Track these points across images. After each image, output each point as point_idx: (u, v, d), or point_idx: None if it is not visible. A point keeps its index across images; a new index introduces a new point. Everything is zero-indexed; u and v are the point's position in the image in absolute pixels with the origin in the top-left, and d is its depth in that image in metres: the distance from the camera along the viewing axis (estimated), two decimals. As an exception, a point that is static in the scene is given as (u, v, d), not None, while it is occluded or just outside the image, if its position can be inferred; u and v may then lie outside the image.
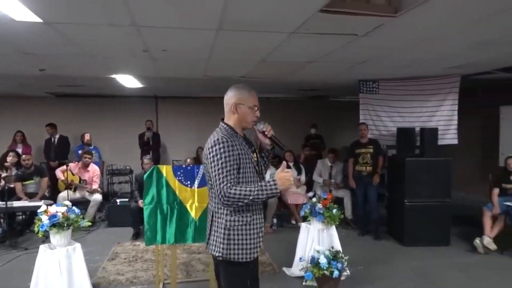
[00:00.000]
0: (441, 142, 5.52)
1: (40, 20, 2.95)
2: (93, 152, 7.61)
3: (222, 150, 1.91)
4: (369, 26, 3.17)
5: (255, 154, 2.13)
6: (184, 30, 3.27)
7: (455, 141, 5.88)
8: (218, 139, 1.94)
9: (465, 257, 4.59)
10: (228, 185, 1.87)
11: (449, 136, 5.87)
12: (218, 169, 1.90)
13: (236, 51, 4.13)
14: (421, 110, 5.94)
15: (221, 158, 1.90)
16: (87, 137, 7.50)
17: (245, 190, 1.87)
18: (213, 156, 1.92)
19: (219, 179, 1.89)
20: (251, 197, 1.86)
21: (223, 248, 1.97)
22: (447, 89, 5.82)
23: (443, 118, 5.87)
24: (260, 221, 2.07)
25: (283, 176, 1.90)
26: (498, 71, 5.31)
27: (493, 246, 4.52)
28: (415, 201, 4.97)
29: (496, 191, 4.82)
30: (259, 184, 1.91)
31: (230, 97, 2.09)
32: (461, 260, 4.48)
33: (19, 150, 6.97)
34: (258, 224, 2.04)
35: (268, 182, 1.90)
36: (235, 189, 1.87)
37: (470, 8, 2.77)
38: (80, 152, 7.01)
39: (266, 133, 2.12)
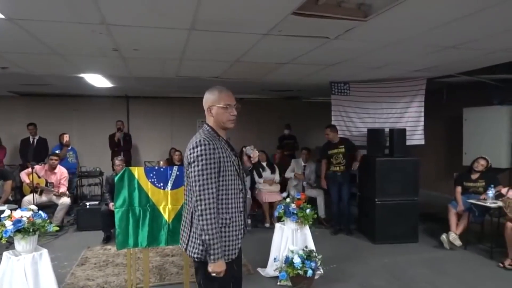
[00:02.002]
0: (409, 142, 5.71)
1: (2, 16, 2.82)
2: (71, 153, 7.37)
3: (203, 152, 1.93)
4: (340, 29, 3.24)
5: (237, 157, 2.15)
6: (156, 29, 3.22)
7: (422, 142, 6.11)
8: (200, 141, 1.95)
9: (432, 253, 4.78)
10: (213, 195, 1.92)
11: (416, 137, 6.09)
12: (198, 171, 1.92)
13: (209, 52, 4.11)
14: (390, 111, 6.12)
15: (201, 160, 1.93)
16: (66, 138, 7.20)
17: (215, 223, 1.91)
18: (194, 158, 1.94)
19: (199, 182, 1.92)
20: (214, 233, 1.91)
21: (201, 250, 1.98)
22: (414, 91, 6.04)
23: (410, 119, 6.09)
24: (240, 223, 2.09)
25: (220, 269, 1.94)
26: (461, 75, 5.56)
27: (458, 242, 4.73)
28: (385, 199, 5.12)
29: (458, 189, 5.05)
30: (221, 239, 1.95)
31: (205, 101, 2.13)
32: (429, 256, 4.66)
33: None
34: (237, 225, 2.06)
35: (221, 250, 1.93)
36: (213, 211, 1.92)
37: (435, 14, 2.90)
38: (58, 152, 6.75)
39: (251, 159, 2.22)
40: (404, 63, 4.79)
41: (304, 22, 2.98)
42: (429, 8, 2.77)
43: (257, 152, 2.25)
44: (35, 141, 7.32)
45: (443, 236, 4.86)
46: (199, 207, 1.92)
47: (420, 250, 4.89)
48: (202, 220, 1.91)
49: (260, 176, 2.45)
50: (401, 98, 6.07)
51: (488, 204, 4.56)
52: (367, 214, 5.43)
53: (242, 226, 2.11)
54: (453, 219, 4.95)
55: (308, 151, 6.56)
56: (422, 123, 6.08)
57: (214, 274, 1.94)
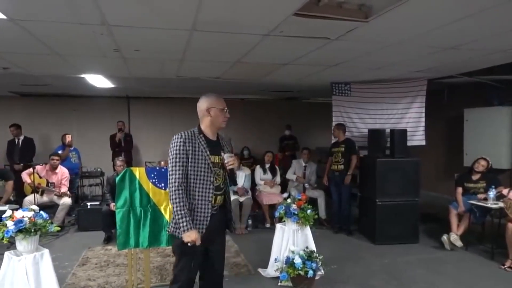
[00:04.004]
0: (410, 143, 5.71)
1: (3, 17, 2.83)
2: (74, 153, 7.37)
3: (174, 143, 2.35)
4: (342, 30, 3.25)
5: (214, 156, 2.42)
6: (157, 30, 3.23)
7: (423, 142, 6.11)
8: (175, 135, 2.36)
9: (433, 253, 4.77)
10: (178, 180, 2.30)
11: (417, 138, 6.09)
12: (171, 159, 2.35)
13: (210, 52, 4.12)
14: (391, 112, 6.13)
15: (172, 150, 2.35)
16: (68, 138, 7.18)
17: (180, 202, 2.28)
18: (170, 148, 2.38)
19: (169, 168, 2.34)
20: (179, 210, 2.27)
21: (172, 225, 2.40)
22: (415, 92, 6.04)
23: (411, 120, 6.09)
24: (206, 212, 2.36)
25: (191, 238, 2.26)
26: (462, 75, 5.56)
27: (459, 243, 4.73)
28: (385, 200, 5.12)
29: (459, 190, 5.04)
30: (188, 214, 2.28)
31: (202, 103, 2.48)
32: (429, 256, 4.65)
33: None
34: (202, 213, 2.36)
35: (187, 223, 2.27)
36: (180, 192, 2.29)
37: (437, 14, 2.90)
38: (60, 152, 6.76)
39: (227, 165, 2.44)
40: (404, 64, 4.79)
41: (305, 23, 2.98)
42: (430, 9, 2.77)
43: (233, 159, 2.44)
44: (20, 141, 7.28)
45: (444, 237, 4.85)
46: (169, 190, 2.33)
47: (421, 250, 4.88)
48: (171, 200, 2.31)
49: (234, 183, 2.59)
50: (402, 98, 6.08)
51: (489, 205, 4.55)
52: (368, 214, 5.43)
53: (209, 214, 2.37)
54: (454, 220, 4.95)
55: (309, 151, 6.57)
56: (423, 124, 6.08)
57: (189, 243, 2.26)
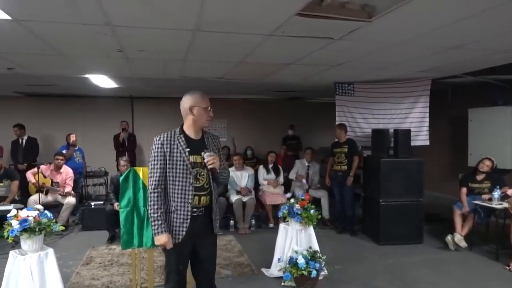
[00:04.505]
0: (413, 143, 5.69)
1: (8, 18, 2.85)
2: (78, 153, 7.41)
3: (153, 146, 2.36)
4: (345, 30, 3.24)
5: (196, 156, 2.35)
6: (160, 30, 3.24)
7: (427, 142, 6.09)
8: (155, 137, 2.37)
9: (437, 254, 4.75)
10: (154, 183, 2.30)
11: (421, 138, 6.07)
12: (150, 162, 2.36)
13: (213, 52, 4.13)
14: (394, 112, 6.11)
15: (152, 153, 2.35)
16: (72, 138, 7.21)
17: (155, 205, 2.29)
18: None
19: (149, 172, 2.35)
20: (152, 214, 2.29)
21: None
22: (419, 91, 6.02)
23: (415, 120, 6.07)
24: (186, 213, 2.33)
25: (160, 242, 2.30)
26: (466, 75, 5.53)
27: (463, 244, 4.70)
28: (389, 200, 5.10)
29: (464, 190, 5.02)
30: (162, 216, 2.30)
31: (185, 101, 2.40)
32: (434, 257, 4.63)
33: None
34: (182, 214, 2.33)
35: (159, 227, 2.28)
36: (155, 196, 2.30)
37: (440, 14, 2.89)
38: (64, 152, 6.80)
39: (207, 164, 2.34)
40: (408, 64, 4.77)
41: (308, 23, 2.98)
42: (433, 9, 2.76)
43: (212, 158, 2.32)
44: (24, 141, 7.34)
45: (448, 237, 4.83)
46: (148, 192, 2.34)
47: (425, 251, 4.87)
48: (148, 203, 2.33)
49: (218, 183, 2.50)
50: (406, 98, 6.06)
51: (493, 206, 4.52)
52: (371, 214, 5.42)
53: (189, 216, 2.33)
54: (458, 220, 4.92)
55: (312, 151, 6.57)
56: (427, 124, 6.06)
57: (159, 246, 2.33)
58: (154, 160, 2.33)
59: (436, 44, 3.75)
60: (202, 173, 2.38)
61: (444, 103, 7.46)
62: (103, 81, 6.13)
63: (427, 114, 6.06)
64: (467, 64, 4.82)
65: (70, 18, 2.90)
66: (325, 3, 2.73)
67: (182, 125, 2.43)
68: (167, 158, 2.32)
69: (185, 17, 2.90)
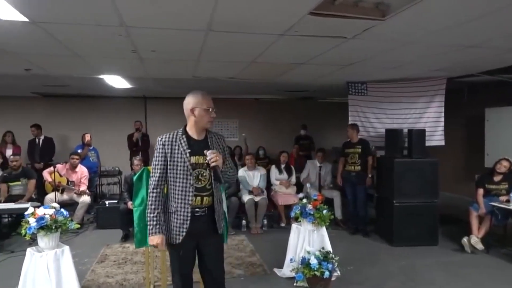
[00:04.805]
0: (428, 143, 5.61)
1: (26, 20, 2.91)
2: (93, 152, 7.53)
3: (156, 146, 2.39)
4: (358, 29, 3.22)
5: (198, 157, 2.34)
6: (173, 30, 3.26)
7: (442, 143, 5.99)
8: (157, 138, 2.39)
9: (452, 256, 4.67)
10: (153, 183, 2.34)
11: (436, 138, 5.97)
12: (152, 163, 2.40)
13: (225, 53, 4.14)
14: (408, 111, 6.03)
15: (154, 154, 2.38)
16: (87, 137, 7.34)
17: (152, 205, 2.33)
18: None
19: (151, 173, 2.39)
20: (148, 214, 2.33)
21: None
22: (434, 91, 5.92)
23: (430, 120, 5.97)
24: (186, 214, 2.33)
25: (153, 243, 2.32)
26: (483, 74, 5.42)
27: (480, 246, 4.61)
28: (403, 201, 5.03)
29: (480, 191, 4.92)
30: (158, 217, 2.32)
31: (187, 102, 2.39)
32: (449, 259, 4.55)
33: (9, 151, 6.85)
34: (182, 215, 2.33)
35: (154, 227, 2.31)
36: (153, 196, 2.34)
37: (455, 13, 2.84)
38: (80, 152, 6.92)
39: (209, 163, 2.29)
40: (422, 63, 4.70)
41: (320, 22, 2.96)
42: (448, 7, 2.71)
43: (215, 156, 2.27)
44: (41, 141, 7.49)
45: (464, 240, 4.74)
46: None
47: (440, 253, 4.78)
48: (147, 203, 2.36)
49: (220, 182, 2.39)
50: (420, 98, 5.97)
51: (511, 207, 4.42)
52: (385, 215, 5.36)
53: (188, 217, 2.33)
54: (474, 222, 4.83)
55: (323, 153, 6.53)
56: (442, 124, 5.96)
57: (153, 246, 2.35)
58: (155, 161, 2.35)
59: (451, 42, 3.68)
60: (204, 174, 2.36)
61: (460, 103, 7.32)
62: (117, 81, 6.22)
63: (443, 114, 5.96)
64: (484, 63, 4.72)
65: (86, 19, 2.95)
66: (338, 2, 2.71)
67: (186, 125, 2.43)
68: (168, 158, 2.33)
69: (198, 17, 2.92)
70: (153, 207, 2.32)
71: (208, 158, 2.29)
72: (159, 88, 7.43)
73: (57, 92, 7.90)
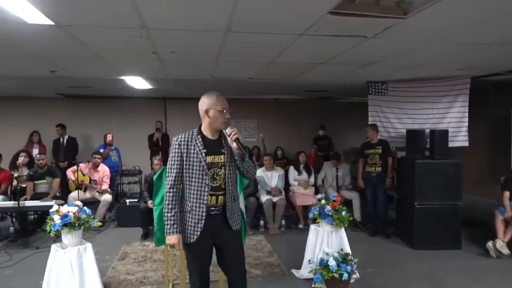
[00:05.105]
0: (451, 144, 5.46)
1: (51, 23, 3.00)
2: (114, 152, 7.71)
3: (171, 146, 2.41)
4: (378, 28, 3.17)
5: (213, 156, 2.38)
6: (193, 31, 3.30)
7: (466, 143, 5.82)
8: (173, 138, 2.42)
9: (476, 261, 4.53)
10: (170, 183, 2.35)
11: (459, 138, 5.82)
12: (168, 162, 2.41)
13: (244, 53, 4.15)
14: (431, 112, 5.89)
15: (170, 154, 2.40)
16: (109, 137, 7.51)
17: (169, 204, 2.34)
18: None
19: (167, 173, 2.40)
20: (166, 213, 2.35)
21: None
22: (457, 90, 5.77)
23: (453, 120, 5.82)
24: (201, 213, 2.35)
25: (170, 242, 2.35)
26: (509, 73, 5.24)
27: (506, 251, 4.46)
28: (425, 203, 4.92)
29: (506, 194, 4.75)
30: (175, 217, 2.34)
31: (202, 103, 2.42)
32: (472, 264, 4.42)
33: (36, 150, 7.08)
34: (197, 214, 2.35)
35: (171, 227, 2.33)
36: (170, 195, 2.35)
37: (479, 10, 2.75)
38: (102, 151, 7.09)
39: (231, 136, 2.36)
40: (445, 62, 4.59)
41: (340, 21, 2.93)
42: (472, 4, 2.63)
43: (234, 130, 2.37)
44: (65, 140, 7.70)
45: (489, 244, 4.59)
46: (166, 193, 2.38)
47: (463, 257, 4.65)
48: (164, 202, 2.39)
49: (246, 151, 2.46)
50: (443, 97, 5.83)
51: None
52: (405, 217, 5.25)
53: (203, 216, 2.35)
54: (500, 226, 4.67)
55: (336, 160, 6.46)
56: (466, 124, 5.80)
57: (170, 246, 2.38)
58: (171, 160, 2.37)
59: (475, 40, 3.58)
60: (219, 173, 2.39)
61: (485, 102, 7.09)
62: (138, 82, 6.33)
63: (467, 114, 5.79)
64: (510, 61, 4.56)
65: (108, 22, 3.02)
66: (358, 1, 2.67)
67: (200, 125, 2.45)
68: (184, 158, 2.35)
69: (217, 18, 2.94)
70: (170, 206, 2.35)
71: (228, 133, 2.37)
72: (178, 89, 7.52)
73: (80, 93, 8.11)
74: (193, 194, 2.35)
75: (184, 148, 2.36)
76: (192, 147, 2.36)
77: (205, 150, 2.36)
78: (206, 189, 2.34)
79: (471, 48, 3.88)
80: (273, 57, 4.31)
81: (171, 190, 2.36)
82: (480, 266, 4.34)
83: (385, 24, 3.04)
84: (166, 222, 2.34)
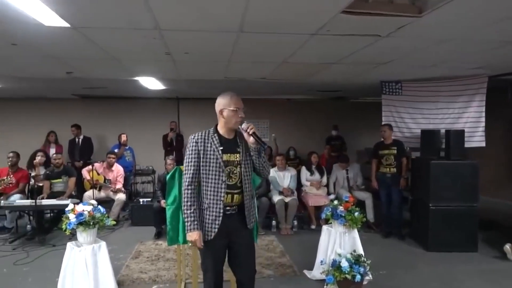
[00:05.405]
0: (468, 144, 5.36)
1: (68, 25, 3.06)
2: (128, 152, 7.82)
3: (188, 144, 2.44)
4: (392, 27, 3.12)
5: (229, 154, 2.42)
6: (205, 32, 3.31)
7: (483, 144, 5.70)
8: (191, 135, 2.45)
9: (493, 264, 4.43)
10: (188, 180, 2.38)
11: (476, 139, 5.69)
12: (185, 159, 2.45)
13: (257, 53, 4.15)
14: (446, 111, 5.78)
15: (187, 152, 2.44)
16: (123, 137, 7.63)
17: (188, 201, 2.37)
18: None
19: (184, 169, 2.44)
20: (185, 210, 2.37)
21: None
22: (474, 90, 5.65)
23: (470, 120, 5.70)
24: (218, 210, 2.38)
25: (191, 239, 2.36)
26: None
27: (523, 253, 4.36)
28: (440, 205, 4.83)
29: (525, 195, 4.64)
30: (195, 213, 2.37)
31: (217, 104, 2.48)
32: (489, 267, 4.32)
33: (53, 150, 7.23)
34: (215, 211, 2.38)
35: (192, 223, 2.35)
36: (189, 193, 2.38)
37: (497, 6, 2.69)
38: (116, 151, 7.20)
39: (248, 130, 2.42)
40: (461, 61, 4.50)
41: (353, 20, 2.91)
42: (489, 1, 2.57)
43: (250, 124, 2.43)
44: (80, 140, 7.84)
45: (507, 246, 4.48)
46: (183, 191, 2.41)
47: (479, 260, 4.55)
48: (182, 200, 2.40)
49: (264, 144, 2.48)
50: (459, 97, 5.71)
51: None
52: (420, 219, 5.16)
53: (221, 213, 2.38)
54: (518, 228, 4.56)
55: (345, 163, 6.37)
56: (483, 124, 5.67)
57: (190, 243, 2.39)
58: (189, 158, 2.40)
59: (493, 38, 3.50)
60: (235, 172, 2.43)
61: (503, 102, 6.92)
62: (151, 83, 6.40)
63: (483, 114, 5.66)
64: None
65: (123, 24, 3.06)
66: (371, 0, 2.64)
67: (216, 125, 2.51)
68: (201, 156, 2.39)
69: (229, 19, 2.95)
70: (189, 203, 2.37)
71: (244, 128, 2.43)
72: (191, 89, 7.58)
73: (95, 94, 8.24)
74: (210, 191, 2.39)
75: (201, 146, 2.40)
76: (209, 145, 2.40)
77: (221, 148, 2.41)
78: (223, 185, 2.38)
79: (488, 47, 3.80)
80: (286, 57, 4.30)
81: (189, 187, 2.39)
82: (496, 270, 4.24)
83: (399, 22, 3.00)
84: (186, 219, 2.36)
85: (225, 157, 2.41)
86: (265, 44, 3.72)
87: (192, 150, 2.41)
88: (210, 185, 2.39)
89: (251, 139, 2.44)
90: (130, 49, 3.94)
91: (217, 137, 2.44)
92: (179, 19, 2.96)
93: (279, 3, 2.60)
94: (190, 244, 2.42)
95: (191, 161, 2.40)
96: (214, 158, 2.39)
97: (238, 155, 2.45)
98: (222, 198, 2.38)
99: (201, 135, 2.43)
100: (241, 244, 2.50)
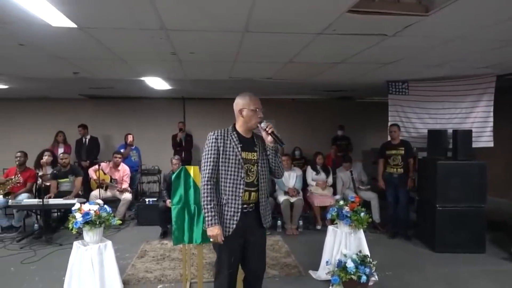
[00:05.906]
0: (475, 144, 5.30)
1: (74, 26, 3.08)
2: (134, 152, 7.86)
3: (208, 140, 2.48)
4: (399, 26, 3.10)
5: (247, 153, 2.48)
6: (211, 32, 3.31)
7: (491, 144, 5.64)
8: (210, 132, 2.49)
9: (501, 265, 4.38)
10: (207, 176, 2.40)
11: (484, 139, 5.64)
12: (203, 155, 2.48)
13: (262, 53, 4.14)
14: (454, 111, 5.73)
15: (206, 148, 2.47)
16: (130, 138, 7.68)
17: (208, 196, 2.38)
18: (204, 146, 2.51)
19: (202, 165, 2.46)
20: (206, 205, 2.37)
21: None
22: (481, 89, 5.59)
23: (477, 120, 5.64)
24: (237, 206, 2.41)
25: (212, 233, 2.36)
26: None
27: (532, 255, 4.30)
28: (447, 205, 4.79)
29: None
30: (215, 208, 2.38)
31: (236, 104, 2.55)
32: (497, 268, 4.28)
33: (61, 150, 7.29)
34: (233, 207, 2.42)
35: (212, 218, 2.36)
36: (208, 188, 2.39)
37: (503, 5, 2.65)
38: (122, 151, 7.24)
39: (267, 129, 2.48)
40: (468, 60, 4.45)
41: (360, 19, 2.89)
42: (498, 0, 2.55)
43: (269, 123, 2.51)
44: (87, 140, 7.90)
45: (515, 248, 4.44)
46: (201, 184, 2.43)
47: (487, 261, 4.50)
48: (201, 195, 2.41)
49: (282, 143, 2.54)
50: (467, 97, 5.66)
51: None
52: (427, 220, 5.12)
53: (239, 209, 2.41)
54: (526, 230, 4.51)
55: (348, 163, 6.35)
56: (491, 124, 5.61)
57: (211, 238, 2.38)
58: (208, 154, 2.44)
59: (501, 37, 3.45)
60: (252, 170, 2.48)
61: (510, 101, 6.85)
62: (157, 83, 6.42)
63: (491, 114, 5.60)
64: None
65: (128, 24, 3.07)
66: (378, -1, 2.63)
67: (235, 124, 2.56)
68: (220, 152, 2.43)
69: (235, 19, 2.94)
70: (209, 198, 2.38)
71: (264, 127, 2.49)
72: (197, 89, 7.59)
73: (102, 94, 8.30)
74: (229, 187, 2.42)
75: (220, 143, 2.45)
76: (228, 142, 2.46)
77: (240, 145, 2.47)
78: (242, 182, 2.42)
79: (496, 45, 3.75)
80: (291, 57, 4.29)
81: (208, 183, 2.41)
82: (504, 271, 4.20)
83: (406, 22, 2.98)
84: (206, 214, 2.37)
85: (243, 154, 2.47)
86: (270, 44, 3.71)
87: (211, 146, 2.44)
88: (229, 181, 2.42)
89: (269, 138, 2.51)
90: (136, 49, 3.96)
91: (236, 135, 2.50)
92: (185, 19, 2.96)
93: (285, 2, 2.60)
94: (211, 240, 2.43)
95: (210, 157, 2.43)
96: (233, 155, 2.43)
97: (255, 153, 2.52)
98: (240, 195, 2.42)
99: (221, 132, 2.48)
100: (255, 243, 2.54)
